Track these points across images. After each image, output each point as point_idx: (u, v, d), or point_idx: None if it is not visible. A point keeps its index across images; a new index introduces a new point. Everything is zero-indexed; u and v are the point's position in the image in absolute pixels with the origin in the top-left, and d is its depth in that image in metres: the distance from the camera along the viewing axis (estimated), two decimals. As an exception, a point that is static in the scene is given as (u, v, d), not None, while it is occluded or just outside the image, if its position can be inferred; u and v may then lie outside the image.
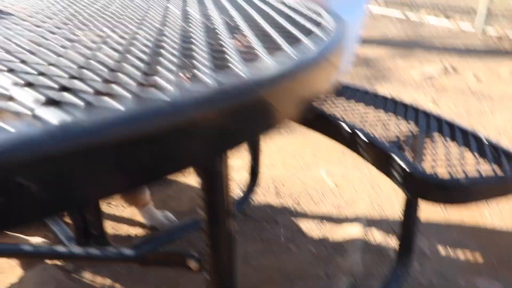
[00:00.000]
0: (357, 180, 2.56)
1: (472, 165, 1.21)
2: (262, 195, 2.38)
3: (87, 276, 1.80)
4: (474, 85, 4.16)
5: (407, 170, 1.13)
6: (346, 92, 1.84)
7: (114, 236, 2.06)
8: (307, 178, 2.56)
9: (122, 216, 2.20)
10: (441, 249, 2.03)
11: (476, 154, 1.28)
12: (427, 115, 1.55)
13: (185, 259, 0.95)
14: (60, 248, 0.96)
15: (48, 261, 1.83)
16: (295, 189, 2.45)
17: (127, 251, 1.02)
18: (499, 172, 1.16)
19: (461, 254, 1.99)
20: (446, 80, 4.25)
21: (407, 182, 1.15)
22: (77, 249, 1.01)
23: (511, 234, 2.12)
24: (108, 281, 1.78)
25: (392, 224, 2.16)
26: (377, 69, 4.54)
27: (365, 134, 1.36)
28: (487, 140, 1.35)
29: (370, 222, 2.19)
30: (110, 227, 2.10)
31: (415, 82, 4.21)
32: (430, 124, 1.47)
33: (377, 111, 1.62)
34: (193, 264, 0.94)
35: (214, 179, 0.70)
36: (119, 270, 1.84)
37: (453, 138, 1.37)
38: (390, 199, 2.37)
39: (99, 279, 1.79)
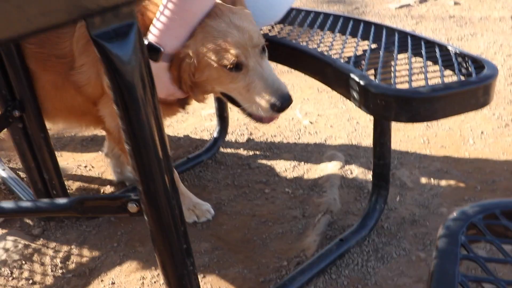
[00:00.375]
0: (334, 116, 2.46)
1: (436, 76, 1.10)
2: (235, 141, 2.28)
3: (55, 238, 1.72)
4: (454, 11, 4.00)
5: (363, 85, 1.02)
6: (304, 17, 1.70)
7: (82, 197, 1.98)
8: (282, 119, 2.45)
9: (91, 176, 2.10)
10: (423, 179, 1.95)
11: (441, 64, 1.16)
12: (391, 30, 1.41)
13: (125, 203, 0.85)
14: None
15: (15, 227, 1.76)
16: (269, 131, 2.34)
17: (63, 201, 0.92)
18: (463, 78, 1.05)
19: (443, 183, 1.92)
20: (425, 9, 4.08)
21: (365, 98, 1.04)
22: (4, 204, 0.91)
23: (494, 158, 2.04)
24: (76, 241, 1.71)
25: (370, 158, 2.07)
26: (353, 5, 4.36)
27: (322, 56, 1.25)
28: (453, 48, 1.23)
29: (347, 158, 2.10)
30: (79, 187, 2.01)
31: (393, 14, 4.04)
32: (394, 39, 1.34)
33: (335, 32, 1.49)
34: (131, 206, 0.84)
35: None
36: (87, 229, 1.76)
37: (417, 51, 1.25)
38: (368, 134, 2.27)
39: (66, 240, 1.71)
